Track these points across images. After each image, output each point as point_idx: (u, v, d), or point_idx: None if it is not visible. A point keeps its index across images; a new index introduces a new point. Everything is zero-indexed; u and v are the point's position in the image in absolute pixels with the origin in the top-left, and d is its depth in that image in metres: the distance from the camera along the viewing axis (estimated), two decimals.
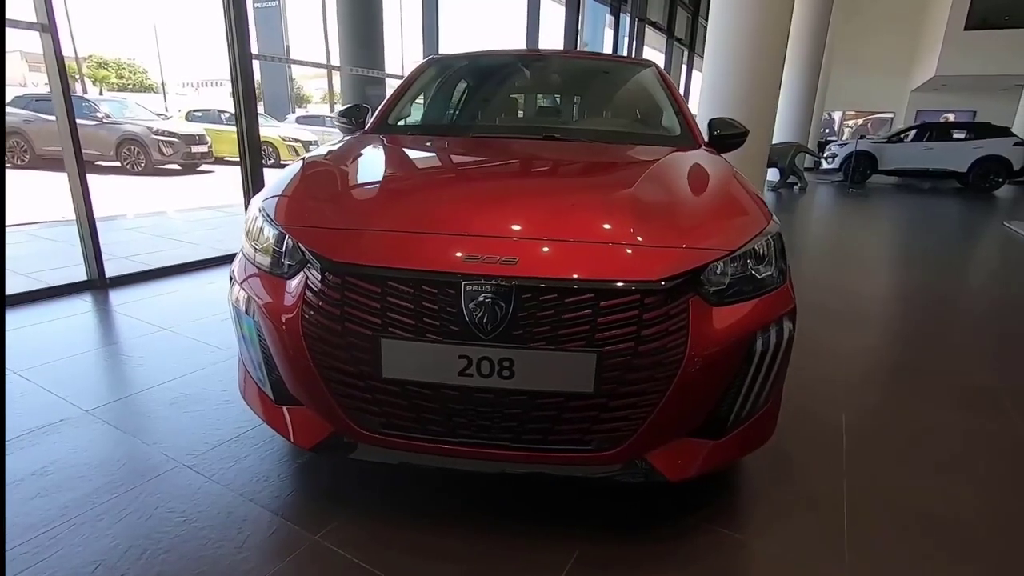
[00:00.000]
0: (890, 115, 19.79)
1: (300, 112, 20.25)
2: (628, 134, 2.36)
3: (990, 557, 1.50)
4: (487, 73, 2.73)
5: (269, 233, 1.49)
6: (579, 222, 1.41)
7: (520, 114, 2.73)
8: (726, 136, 2.36)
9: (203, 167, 12.10)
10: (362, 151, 1.93)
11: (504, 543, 1.46)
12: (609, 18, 10.87)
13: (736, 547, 1.49)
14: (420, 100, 2.62)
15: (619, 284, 1.25)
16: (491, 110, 2.64)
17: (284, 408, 1.50)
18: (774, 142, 11.52)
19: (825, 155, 13.65)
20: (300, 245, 1.39)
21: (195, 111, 14.50)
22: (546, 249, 1.31)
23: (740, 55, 4.95)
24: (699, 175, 1.77)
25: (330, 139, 13.06)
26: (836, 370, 2.65)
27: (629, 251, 1.32)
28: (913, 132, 13.10)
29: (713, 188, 1.68)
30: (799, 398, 2.26)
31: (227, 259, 4.20)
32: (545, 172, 1.89)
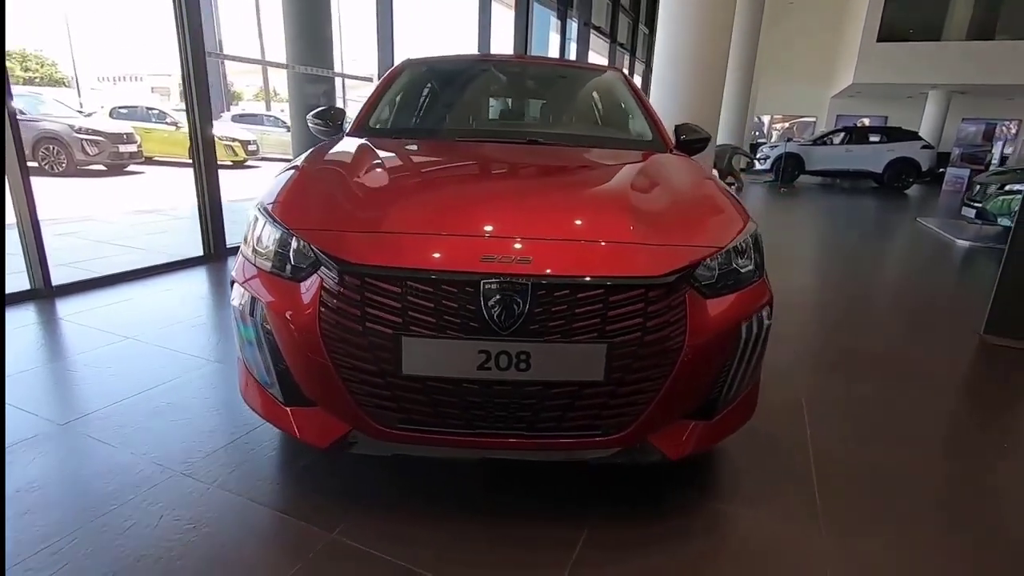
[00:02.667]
0: (812, 119, 21.20)
1: (236, 110, 19.40)
2: (605, 138, 2.48)
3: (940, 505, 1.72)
4: (464, 78, 2.79)
5: (277, 237, 1.49)
6: (585, 222, 1.51)
7: (500, 118, 2.80)
8: (692, 140, 2.52)
9: (131, 168, 11.41)
10: (360, 154, 1.94)
11: (517, 526, 1.54)
12: (555, 22, 11.10)
13: (729, 519, 1.63)
14: (396, 102, 2.64)
15: (627, 280, 1.35)
16: (472, 114, 2.69)
17: (295, 409, 1.52)
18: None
19: (758, 156, 14.47)
20: (313, 248, 1.41)
21: (120, 107, 13.62)
22: (557, 248, 1.40)
23: (686, 70, 5.23)
24: (683, 177, 1.91)
25: (268, 138, 12.54)
26: (783, 354, 2.89)
27: (633, 249, 1.43)
28: (835, 135, 14.13)
29: (697, 190, 1.82)
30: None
31: (179, 265, 4.04)
32: (545, 175, 1.97)
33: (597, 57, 13.54)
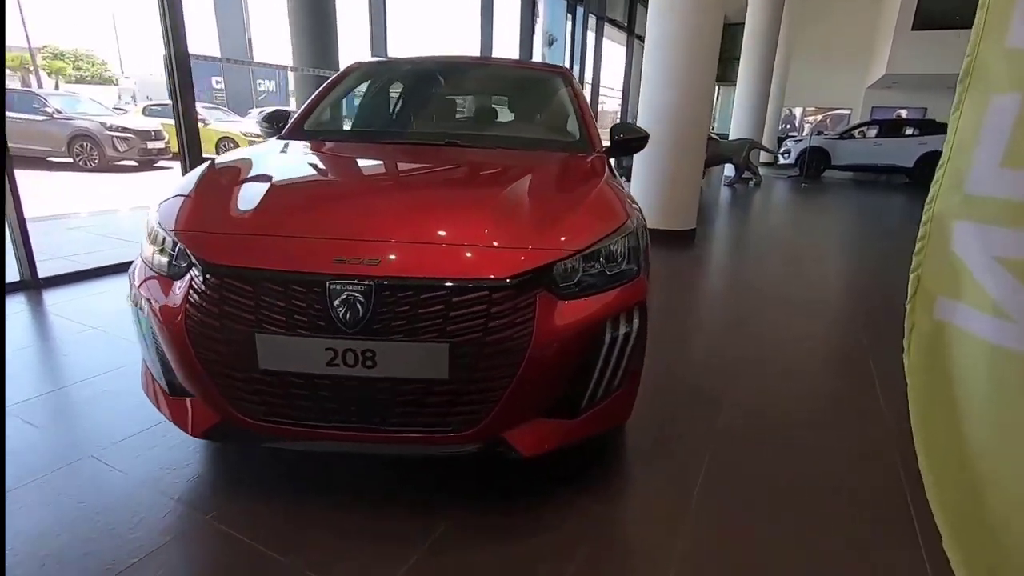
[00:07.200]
0: (848, 111, 20.40)
1: (261, 109, 19.96)
2: (526, 140, 2.50)
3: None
4: (403, 79, 2.85)
5: (160, 236, 1.59)
6: (439, 226, 1.55)
7: (428, 120, 2.85)
8: (629, 140, 2.53)
9: (161, 163, 11.91)
10: (263, 157, 2.04)
11: (375, 517, 1.61)
12: (580, 15, 11.02)
13: (596, 515, 1.66)
14: (336, 104, 2.73)
15: (468, 282, 1.39)
16: (401, 116, 2.76)
17: (177, 399, 1.62)
18: (730, 139, 11.88)
19: (781, 151, 14.07)
20: (182, 247, 1.50)
21: (153, 105, 14.25)
22: (406, 251, 1.45)
23: (676, 66, 5.16)
24: (568, 180, 1.93)
25: None
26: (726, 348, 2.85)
27: (481, 252, 1.47)
28: (863, 128, 13.61)
29: (576, 192, 1.84)
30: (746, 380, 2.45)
31: None
32: (424, 178, 2.04)
33: (614, 47, 13.42)
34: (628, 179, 5.95)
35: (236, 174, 1.88)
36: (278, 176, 1.83)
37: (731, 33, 10.78)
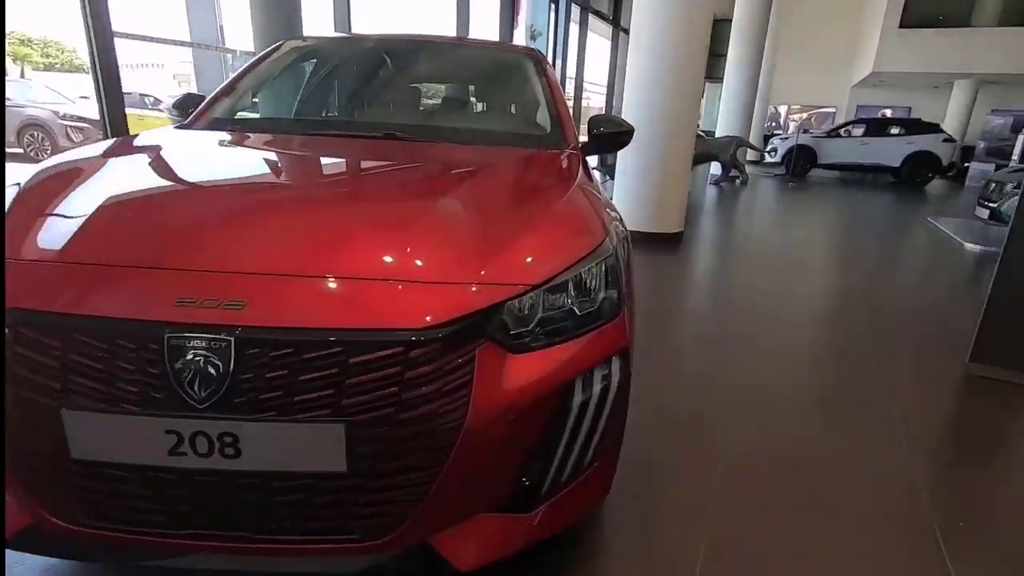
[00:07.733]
0: (832, 109, 20.25)
1: None
2: (484, 133, 2.06)
3: None
4: (342, 60, 2.40)
5: None
6: (338, 250, 1.12)
7: (365, 108, 2.37)
8: (611, 135, 2.11)
9: None
10: (128, 150, 1.57)
11: None
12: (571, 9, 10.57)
13: None
14: (258, 88, 2.26)
15: (373, 334, 0.97)
16: (333, 103, 2.30)
17: None
18: (716, 136, 11.55)
19: (768, 149, 13.80)
20: None
21: None
22: (283, 288, 1.01)
23: (663, 63, 4.77)
24: (531, 185, 1.51)
25: None
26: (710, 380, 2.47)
27: (397, 288, 1.04)
28: (849, 127, 13.41)
29: (539, 201, 1.41)
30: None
31: None
32: (337, 183, 1.58)
33: (599, 40, 13.01)
34: (612, 177, 5.55)
35: (75, 177, 1.40)
36: (134, 178, 1.37)
37: (718, 29, 10.43)
